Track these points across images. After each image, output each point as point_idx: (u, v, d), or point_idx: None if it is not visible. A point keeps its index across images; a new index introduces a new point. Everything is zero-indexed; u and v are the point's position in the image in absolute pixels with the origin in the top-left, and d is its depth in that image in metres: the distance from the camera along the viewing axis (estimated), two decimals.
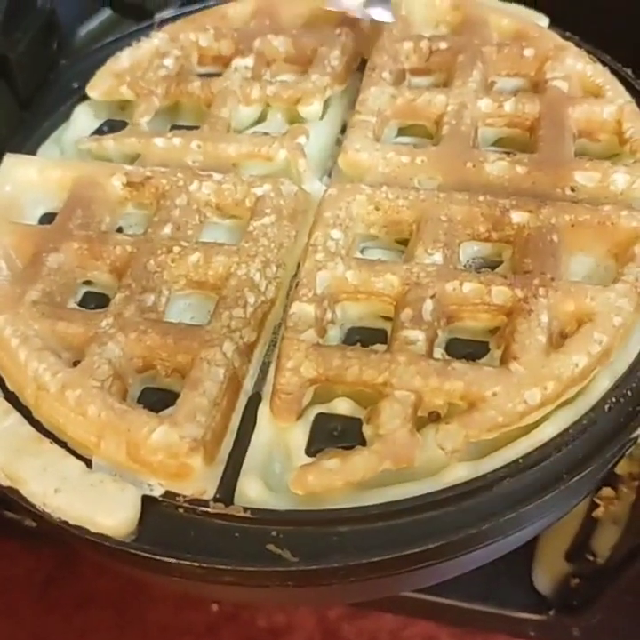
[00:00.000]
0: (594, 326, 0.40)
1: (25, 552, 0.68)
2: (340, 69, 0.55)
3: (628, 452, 0.41)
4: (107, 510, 0.38)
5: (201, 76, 0.56)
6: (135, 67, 0.56)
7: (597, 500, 0.62)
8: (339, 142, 0.53)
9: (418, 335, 0.41)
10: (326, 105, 0.54)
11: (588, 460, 0.39)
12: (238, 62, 0.55)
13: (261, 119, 0.55)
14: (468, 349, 0.42)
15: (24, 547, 0.68)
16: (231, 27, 0.58)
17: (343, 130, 0.53)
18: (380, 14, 0.54)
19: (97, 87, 0.56)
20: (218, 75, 0.55)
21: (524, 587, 0.61)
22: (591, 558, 0.60)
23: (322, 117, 0.54)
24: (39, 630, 0.65)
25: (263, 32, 0.56)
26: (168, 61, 0.56)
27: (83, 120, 0.56)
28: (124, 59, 0.57)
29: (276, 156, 0.51)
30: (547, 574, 0.61)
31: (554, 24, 0.58)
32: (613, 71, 0.54)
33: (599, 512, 0.61)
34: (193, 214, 0.48)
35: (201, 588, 0.42)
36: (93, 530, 0.38)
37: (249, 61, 0.55)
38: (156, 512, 0.39)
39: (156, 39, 0.58)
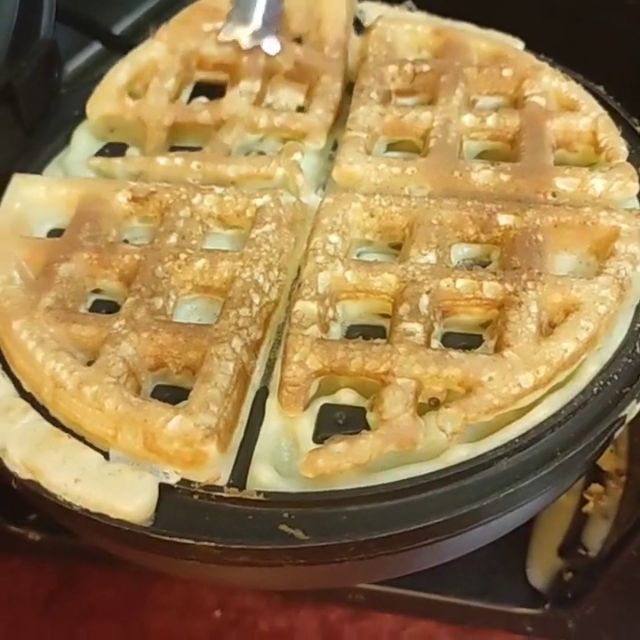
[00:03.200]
0: (580, 315, 0.43)
1: (28, 568, 0.69)
2: (338, 99, 0.58)
3: (616, 434, 0.44)
4: (125, 497, 0.39)
5: (198, 82, 0.58)
6: (134, 82, 0.58)
7: (587, 496, 0.64)
8: (331, 158, 0.56)
9: (416, 327, 0.43)
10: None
11: (579, 439, 0.41)
12: (244, 86, 0.57)
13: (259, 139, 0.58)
14: (463, 342, 0.45)
15: (27, 563, 0.69)
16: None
17: (335, 147, 0.56)
18: (268, 46, 0.57)
19: (97, 108, 0.58)
20: (218, 83, 0.57)
21: (519, 582, 0.63)
22: (583, 552, 0.62)
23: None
24: None
25: None
26: (169, 84, 0.58)
27: (83, 143, 0.58)
28: (122, 74, 0.59)
29: (274, 174, 0.53)
30: (541, 570, 0.63)
31: (528, 48, 0.62)
32: (586, 88, 0.57)
33: (589, 507, 0.64)
34: (196, 225, 0.50)
35: (217, 572, 0.44)
36: (113, 516, 0.39)
37: (256, 86, 0.57)
38: (173, 499, 0.40)
39: (154, 51, 0.59)
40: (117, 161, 0.55)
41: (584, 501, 0.65)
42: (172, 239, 0.49)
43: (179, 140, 0.58)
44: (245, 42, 0.57)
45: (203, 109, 0.57)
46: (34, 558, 0.69)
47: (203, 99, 0.59)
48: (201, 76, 0.60)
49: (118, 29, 0.80)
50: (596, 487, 0.65)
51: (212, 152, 0.53)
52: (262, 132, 0.56)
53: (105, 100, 0.58)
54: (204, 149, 0.54)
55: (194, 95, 0.61)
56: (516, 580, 0.63)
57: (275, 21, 0.57)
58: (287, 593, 0.67)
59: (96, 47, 0.77)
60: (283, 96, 0.59)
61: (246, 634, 0.66)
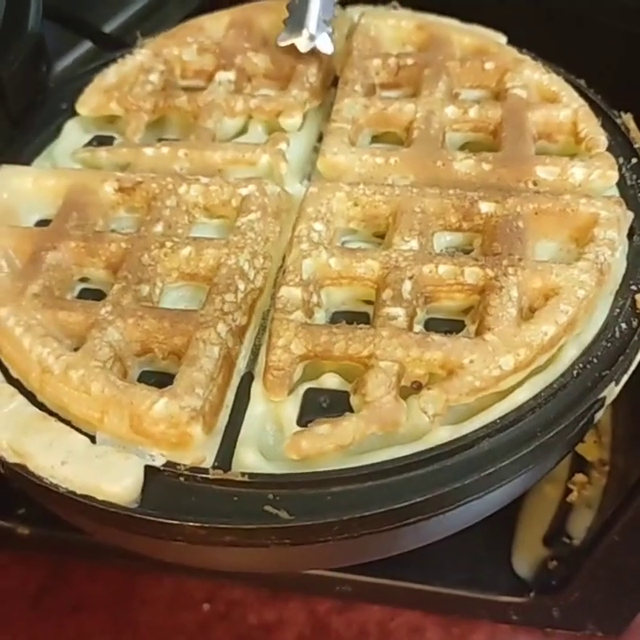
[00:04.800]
0: (560, 299, 0.44)
1: (17, 562, 0.69)
2: (316, 85, 0.59)
3: (597, 416, 0.44)
4: (112, 478, 0.40)
5: (184, 89, 0.60)
6: (122, 82, 0.60)
7: (571, 486, 0.65)
8: (316, 150, 0.56)
9: (398, 312, 0.44)
10: (303, 118, 0.58)
11: (559, 420, 0.42)
12: (222, 75, 0.58)
13: (243, 131, 0.58)
14: (445, 328, 0.45)
15: (16, 557, 0.69)
16: (210, 39, 0.62)
17: (320, 139, 0.57)
18: (324, 46, 0.58)
19: (86, 103, 0.59)
20: (201, 88, 0.59)
21: (504, 572, 0.63)
22: (567, 541, 0.63)
23: (300, 129, 0.58)
24: (34, 638, 0.66)
25: (242, 43, 0.60)
26: (153, 77, 0.59)
27: (73, 135, 0.59)
28: (111, 75, 0.60)
29: (258, 160, 0.54)
30: (526, 559, 0.63)
31: (510, 43, 0.63)
32: (567, 80, 0.58)
33: (573, 497, 0.64)
34: (182, 215, 0.51)
35: (203, 554, 0.44)
36: (99, 497, 0.40)
37: (231, 75, 0.59)
38: (159, 480, 0.41)
39: (140, 55, 0.61)
40: (103, 152, 0.55)
41: (568, 491, 0.66)
42: (159, 228, 0.49)
43: (164, 133, 0.58)
44: (302, 46, 0.58)
45: (181, 95, 0.58)
46: (23, 553, 0.69)
47: None
48: (184, 83, 0.61)
49: (108, 28, 0.82)
50: (579, 477, 0.65)
51: (197, 139, 0.54)
52: (240, 116, 0.57)
53: (93, 97, 0.60)
54: (189, 137, 0.55)
55: None
56: (502, 569, 0.64)
57: (328, 22, 0.58)
58: (276, 585, 0.67)
59: (87, 45, 0.78)
60: (263, 92, 0.60)
61: (235, 626, 0.67)
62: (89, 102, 0.59)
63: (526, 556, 0.63)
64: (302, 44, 0.58)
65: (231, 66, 0.59)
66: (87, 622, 0.66)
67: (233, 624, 0.66)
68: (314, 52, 0.58)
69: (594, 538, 0.58)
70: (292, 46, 0.58)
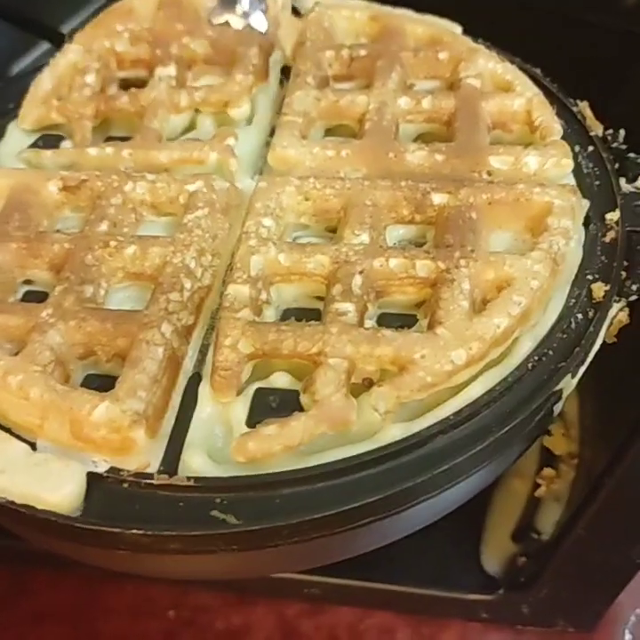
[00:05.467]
0: (512, 290, 0.43)
1: None
2: (260, 65, 0.57)
3: (555, 409, 0.43)
4: (52, 486, 0.38)
5: (123, 81, 0.58)
6: (58, 86, 0.58)
7: (540, 481, 0.64)
8: (268, 145, 0.55)
9: (348, 307, 0.43)
10: (254, 110, 0.57)
11: (514, 414, 0.41)
12: (161, 72, 0.57)
13: (191, 127, 0.57)
14: (397, 323, 0.44)
15: None
16: (140, 22, 0.59)
17: (272, 133, 0.56)
18: (258, 24, 0.58)
19: (27, 118, 0.57)
20: (141, 80, 0.57)
21: (473, 569, 0.62)
22: (536, 536, 0.62)
23: (250, 122, 0.57)
24: None
25: (175, 26, 0.58)
26: (90, 78, 0.57)
27: (16, 136, 0.57)
28: (46, 81, 0.58)
29: (207, 159, 0.53)
30: (494, 556, 0.62)
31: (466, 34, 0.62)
32: (522, 69, 0.57)
33: (541, 491, 0.64)
34: (129, 213, 0.50)
35: (150, 562, 0.43)
36: (40, 507, 0.38)
37: (171, 70, 0.57)
38: (102, 488, 0.39)
39: (72, 53, 0.59)
40: (48, 153, 0.54)
41: (537, 486, 0.65)
42: (103, 227, 0.48)
43: (111, 130, 0.57)
44: (236, 23, 0.57)
45: (122, 96, 0.56)
46: None
47: None
48: (122, 74, 0.60)
49: (66, 28, 0.80)
50: (548, 471, 0.65)
51: (143, 139, 0.53)
52: (185, 111, 0.55)
53: (33, 108, 0.58)
54: (135, 137, 0.53)
55: None
56: (471, 567, 0.63)
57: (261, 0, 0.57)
58: (243, 589, 0.66)
59: (45, 46, 0.76)
60: (206, 81, 0.59)
61: (202, 633, 0.65)
62: (29, 116, 0.57)
63: (495, 553, 0.63)
64: (236, 20, 0.57)
65: (169, 58, 0.57)
66: (49, 632, 0.65)
67: (200, 631, 0.65)
68: (251, 30, 0.57)
69: (560, 533, 0.58)
70: (228, 25, 0.57)
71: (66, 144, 0.57)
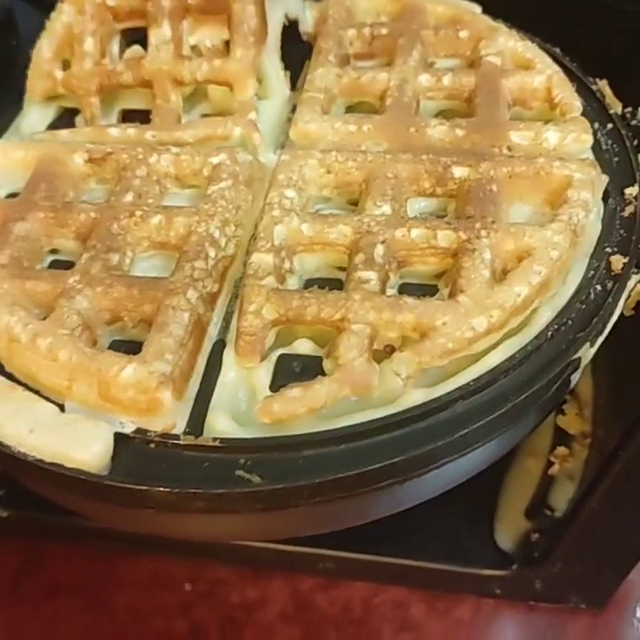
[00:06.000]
0: (533, 260, 0.44)
1: None
2: (258, 26, 0.56)
3: (573, 378, 0.44)
4: (81, 445, 0.39)
5: (124, 32, 0.58)
6: (58, 54, 0.57)
7: (553, 459, 0.65)
8: (290, 120, 0.56)
9: (371, 275, 0.43)
10: (264, 80, 0.56)
11: (533, 381, 0.41)
12: (157, 36, 0.55)
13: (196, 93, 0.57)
14: (418, 292, 0.45)
15: None
16: None
17: (293, 110, 0.56)
18: None
19: (34, 91, 0.57)
20: (143, 29, 0.56)
21: (487, 545, 0.63)
22: (549, 513, 0.62)
23: (269, 98, 0.57)
24: (12, 621, 0.65)
25: None
26: (88, 45, 0.56)
27: (35, 110, 0.58)
28: (45, 49, 0.57)
29: (231, 134, 0.53)
30: (508, 532, 0.63)
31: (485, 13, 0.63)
32: (542, 48, 0.58)
33: (555, 469, 0.64)
34: (153, 184, 0.50)
35: (174, 522, 0.44)
36: (68, 465, 0.39)
37: (166, 30, 0.55)
38: (129, 448, 0.40)
39: (64, 14, 0.58)
40: (64, 133, 0.54)
41: (550, 464, 0.65)
42: (129, 197, 0.49)
43: (121, 104, 0.58)
44: None
45: (125, 71, 0.56)
46: (0, 536, 0.69)
47: (137, 48, 0.58)
48: (121, 26, 0.59)
49: None
50: (561, 450, 0.65)
51: (163, 121, 0.53)
52: (191, 85, 0.55)
53: (38, 80, 0.57)
54: (153, 120, 0.54)
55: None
56: (485, 543, 0.63)
57: None
58: (258, 563, 0.67)
59: None
60: (205, 36, 0.57)
61: (218, 606, 0.66)
62: (35, 89, 0.57)
63: (508, 530, 0.63)
64: None
65: (162, 15, 0.56)
66: (65, 605, 0.66)
67: (216, 603, 0.66)
68: None
69: (574, 507, 0.58)
70: None
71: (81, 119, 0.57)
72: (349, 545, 0.64)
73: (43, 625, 0.65)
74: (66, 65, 0.58)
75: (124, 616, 0.65)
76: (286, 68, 0.58)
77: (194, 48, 0.58)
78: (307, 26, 0.60)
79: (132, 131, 0.54)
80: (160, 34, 0.56)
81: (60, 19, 0.58)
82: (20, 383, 0.43)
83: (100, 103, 0.57)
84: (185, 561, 0.67)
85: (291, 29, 0.60)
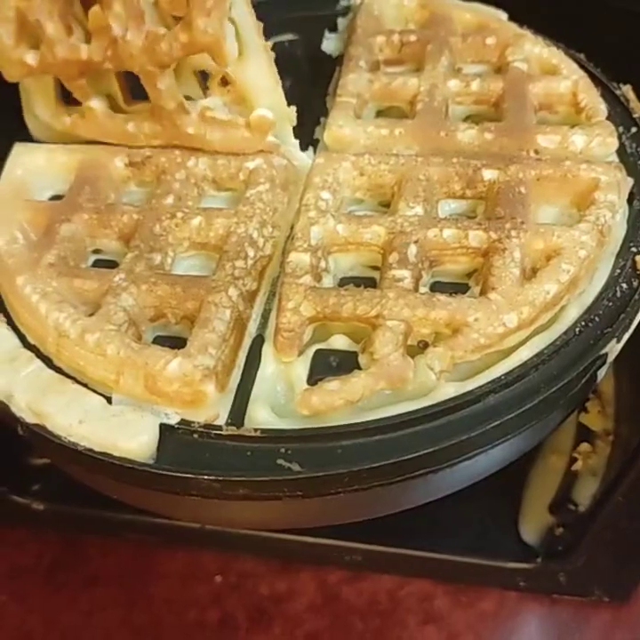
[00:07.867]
0: (561, 259, 0.45)
1: (32, 538, 0.70)
2: None
3: (600, 374, 0.45)
4: (128, 435, 0.41)
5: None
6: (19, 33, 0.50)
7: (576, 455, 0.66)
8: (322, 124, 0.57)
9: (404, 274, 0.45)
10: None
11: (562, 375, 0.43)
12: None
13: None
14: (450, 290, 0.46)
15: (31, 533, 0.70)
16: None
17: (326, 114, 0.58)
18: None
19: (12, 77, 0.52)
20: None
21: (511, 539, 0.64)
22: (573, 508, 0.63)
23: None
24: (48, 612, 0.67)
25: None
26: (50, 30, 0.49)
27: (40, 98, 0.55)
28: (5, 37, 0.50)
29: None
30: (532, 526, 0.64)
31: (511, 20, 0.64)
32: (567, 54, 0.59)
33: (578, 466, 0.66)
34: (192, 187, 0.52)
35: (217, 510, 0.45)
36: (116, 454, 0.41)
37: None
38: (173, 438, 0.42)
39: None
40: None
41: (573, 461, 0.67)
42: (169, 200, 0.51)
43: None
44: None
45: (97, 57, 0.49)
46: (38, 528, 0.71)
47: (96, 9, 0.47)
48: None
49: None
50: (584, 446, 0.67)
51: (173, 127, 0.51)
52: (173, 64, 0.50)
53: (10, 68, 0.52)
54: (164, 126, 0.52)
55: None
56: (509, 536, 0.65)
57: None
58: (286, 556, 0.68)
59: None
60: None
61: (247, 597, 0.68)
62: (11, 74, 0.52)
63: (533, 524, 0.65)
64: None
65: None
66: (101, 596, 0.68)
67: (245, 595, 0.67)
68: None
69: (599, 501, 0.59)
70: None
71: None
72: (376, 538, 0.66)
73: (79, 615, 0.67)
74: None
75: (158, 607, 0.67)
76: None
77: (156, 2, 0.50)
78: None
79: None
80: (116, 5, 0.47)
81: (8, 3, 0.50)
82: (68, 377, 0.45)
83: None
84: (216, 553, 0.69)
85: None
